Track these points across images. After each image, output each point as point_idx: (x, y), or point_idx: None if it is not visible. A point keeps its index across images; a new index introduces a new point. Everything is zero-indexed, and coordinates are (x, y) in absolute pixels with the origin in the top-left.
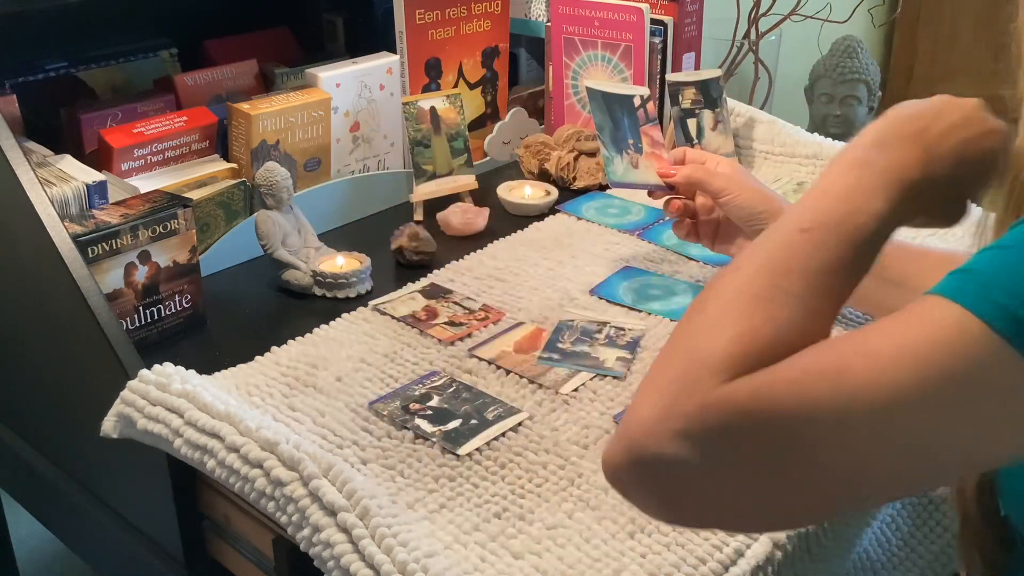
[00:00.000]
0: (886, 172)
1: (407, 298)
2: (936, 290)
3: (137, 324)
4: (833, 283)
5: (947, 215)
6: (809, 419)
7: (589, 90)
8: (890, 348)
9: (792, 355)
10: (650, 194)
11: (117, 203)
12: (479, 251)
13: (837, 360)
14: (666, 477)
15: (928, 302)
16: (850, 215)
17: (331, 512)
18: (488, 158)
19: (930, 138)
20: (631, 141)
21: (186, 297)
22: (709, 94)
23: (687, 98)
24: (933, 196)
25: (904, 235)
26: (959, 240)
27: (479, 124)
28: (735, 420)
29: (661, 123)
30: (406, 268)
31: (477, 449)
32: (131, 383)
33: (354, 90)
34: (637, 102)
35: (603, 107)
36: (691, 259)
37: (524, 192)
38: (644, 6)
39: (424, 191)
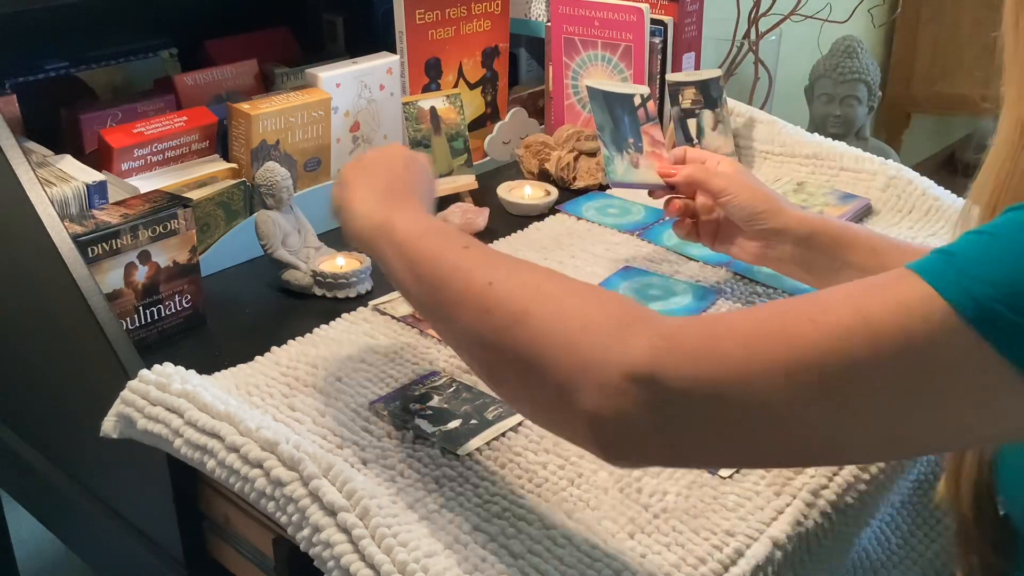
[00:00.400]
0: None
1: None
2: (913, 265)
3: (137, 324)
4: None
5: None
6: (756, 376)
7: (590, 89)
8: (848, 313)
9: (734, 312)
10: (650, 194)
11: (117, 203)
12: None
13: (791, 325)
14: (633, 428)
15: (900, 276)
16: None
17: (331, 512)
18: (488, 158)
19: None
20: (631, 140)
21: (186, 297)
22: (709, 94)
23: (687, 98)
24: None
25: (904, 235)
26: None
27: (479, 124)
28: (685, 365)
29: (661, 123)
30: None
31: (477, 449)
32: (131, 383)
33: (354, 90)
34: (637, 101)
35: (603, 106)
36: (691, 259)
37: (524, 192)
38: (644, 6)
39: None
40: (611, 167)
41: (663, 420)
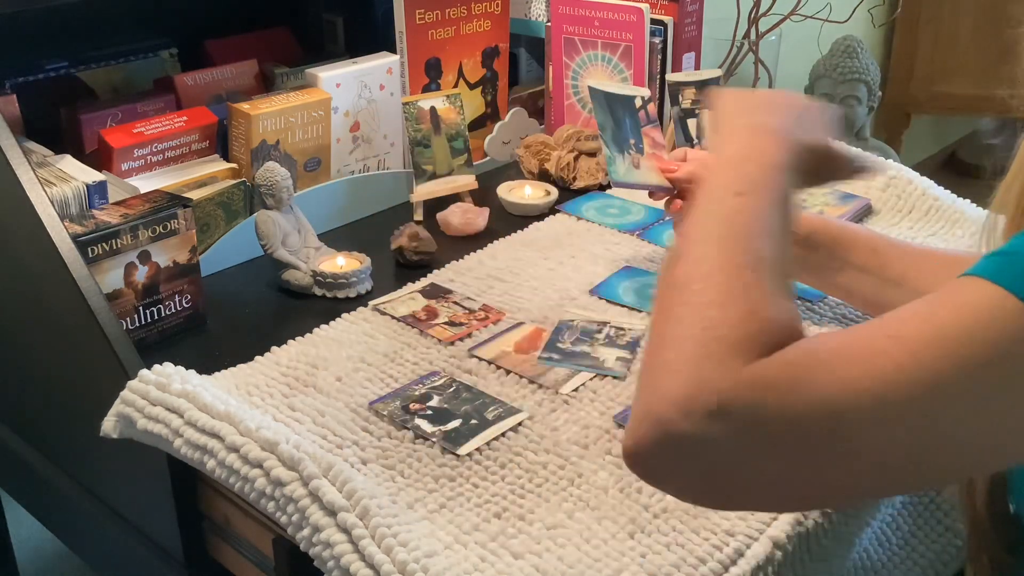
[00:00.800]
0: (776, 132)
1: (407, 298)
2: (973, 271)
3: (137, 324)
4: (786, 240)
5: (823, 176)
6: (844, 401)
7: (591, 90)
8: (925, 330)
9: (797, 329)
10: (651, 195)
11: (117, 203)
12: (479, 251)
13: (868, 344)
14: (699, 456)
15: (963, 283)
16: (769, 174)
17: (331, 512)
18: (488, 158)
19: (780, 114)
20: (632, 141)
21: (186, 297)
22: None
23: (687, 98)
24: (807, 158)
25: (904, 235)
26: (959, 240)
27: (479, 124)
28: (770, 397)
29: (661, 123)
30: (406, 268)
31: (477, 449)
32: (131, 383)
33: (354, 90)
34: (639, 103)
35: (605, 107)
36: None
37: (524, 192)
38: (644, 6)
39: (424, 191)
40: (613, 167)
41: (743, 450)
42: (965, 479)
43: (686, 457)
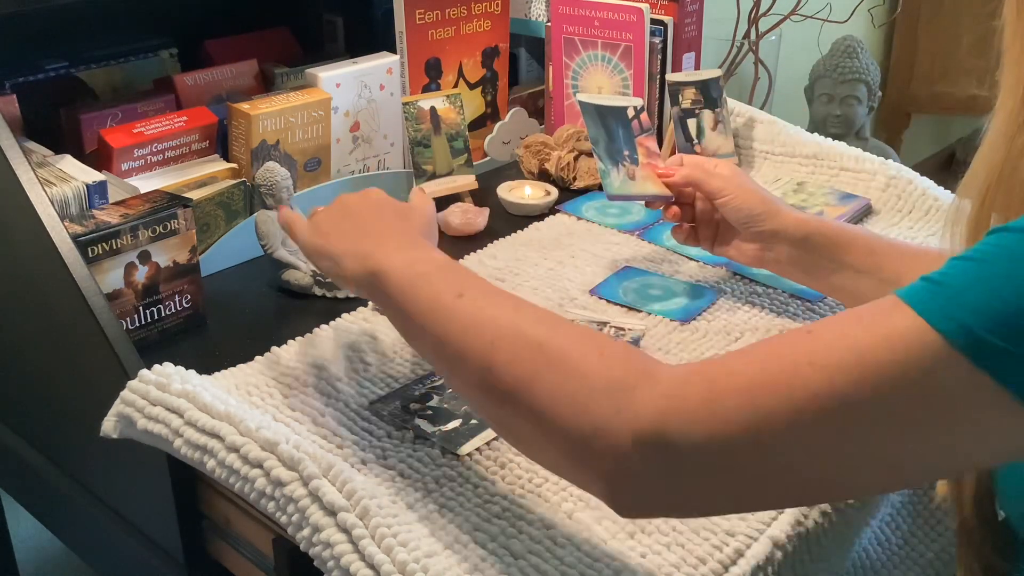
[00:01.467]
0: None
1: None
2: (902, 293)
3: (137, 324)
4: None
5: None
6: (762, 428)
7: (582, 104)
8: (847, 359)
9: (733, 356)
10: (648, 204)
11: (117, 203)
12: (479, 251)
13: (789, 370)
14: (647, 487)
15: (892, 308)
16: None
17: (331, 512)
18: (488, 158)
19: None
20: (626, 152)
21: (186, 297)
22: (709, 94)
23: (687, 98)
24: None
25: (904, 235)
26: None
27: (479, 124)
28: (691, 425)
29: (660, 129)
30: None
31: (477, 449)
32: (131, 383)
33: (354, 90)
34: (631, 113)
35: (596, 120)
36: (691, 259)
37: (524, 192)
38: (644, 6)
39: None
40: (607, 180)
41: (674, 478)
42: (915, 486)
43: (638, 491)
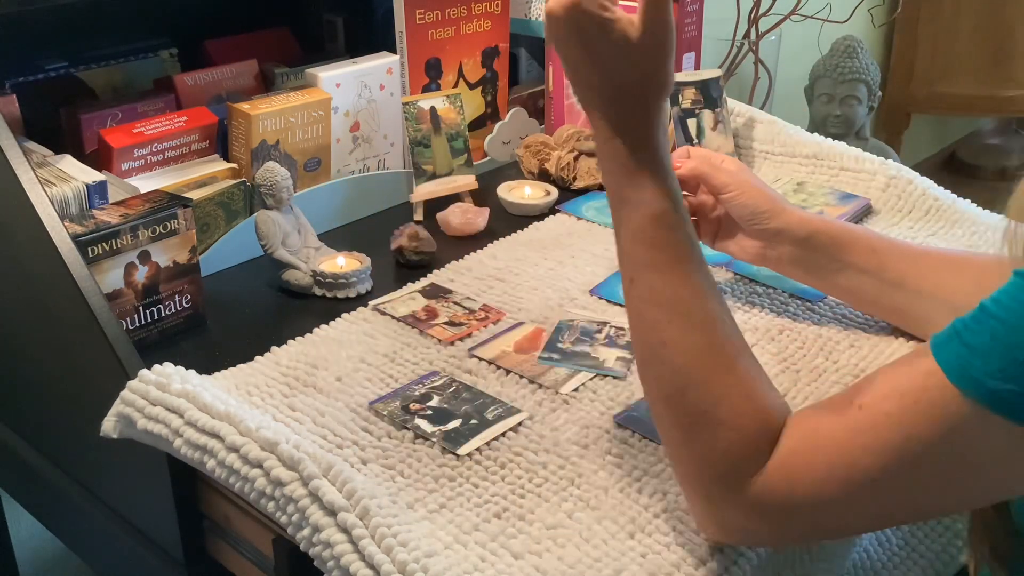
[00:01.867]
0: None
1: (407, 298)
2: (938, 358)
3: (137, 324)
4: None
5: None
6: (827, 503)
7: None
8: (894, 436)
9: (808, 448)
10: None
11: (117, 203)
12: (479, 251)
13: (848, 461)
14: (754, 537)
15: (927, 378)
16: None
17: (331, 512)
18: (488, 158)
19: None
20: None
21: (186, 297)
22: (709, 94)
23: (687, 98)
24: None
25: (904, 235)
26: (959, 240)
27: (479, 124)
28: (771, 512)
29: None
30: (406, 268)
31: (477, 449)
32: (131, 383)
33: (354, 90)
34: None
35: None
36: None
37: (524, 192)
38: None
39: (424, 191)
40: None
41: (777, 530)
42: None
43: (749, 540)
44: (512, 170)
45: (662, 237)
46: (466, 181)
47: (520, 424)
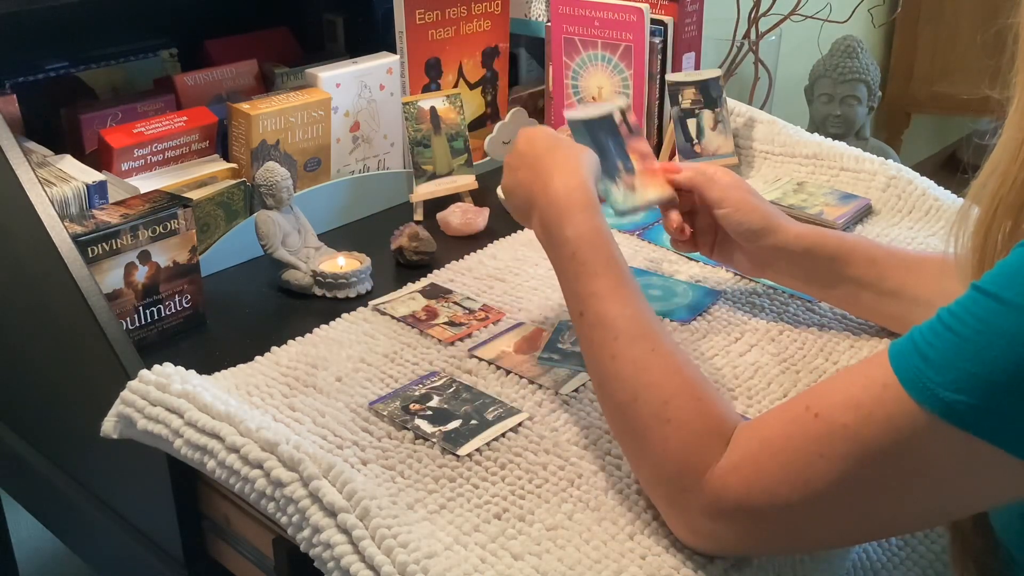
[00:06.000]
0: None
1: (407, 298)
2: (896, 368)
3: (137, 324)
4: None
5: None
6: (790, 519)
7: (570, 123)
8: (851, 446)
9: (762, 447)
10: (662, 211)
11: (117, 203)
12: (479, 251)
13: (802, 466)
14: (723, 543)
15: (884, 390)
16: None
17: (331, 513)
18: (488, 158)
19: None
20: (620, 164)
21: (186, 297)
22: (709, 94)
23: (687, 98)
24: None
25: (904, 236)
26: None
27: (479, 124)
28: (732, 514)
29: (660, 129)
30: (406, 268)
31: (477, 450)
32: (131, 383)
33: (354, 90)
34: (617, 117)
35: (587, 137)
36: (691, 259)
37: None
38: (644, 6)
39: (424, 191)
40: (610, 199)
41: (745, 536)
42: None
43: (721, 545)
44: None
45: (595, 265)
46: (466, 181)
47: (520, 425)
